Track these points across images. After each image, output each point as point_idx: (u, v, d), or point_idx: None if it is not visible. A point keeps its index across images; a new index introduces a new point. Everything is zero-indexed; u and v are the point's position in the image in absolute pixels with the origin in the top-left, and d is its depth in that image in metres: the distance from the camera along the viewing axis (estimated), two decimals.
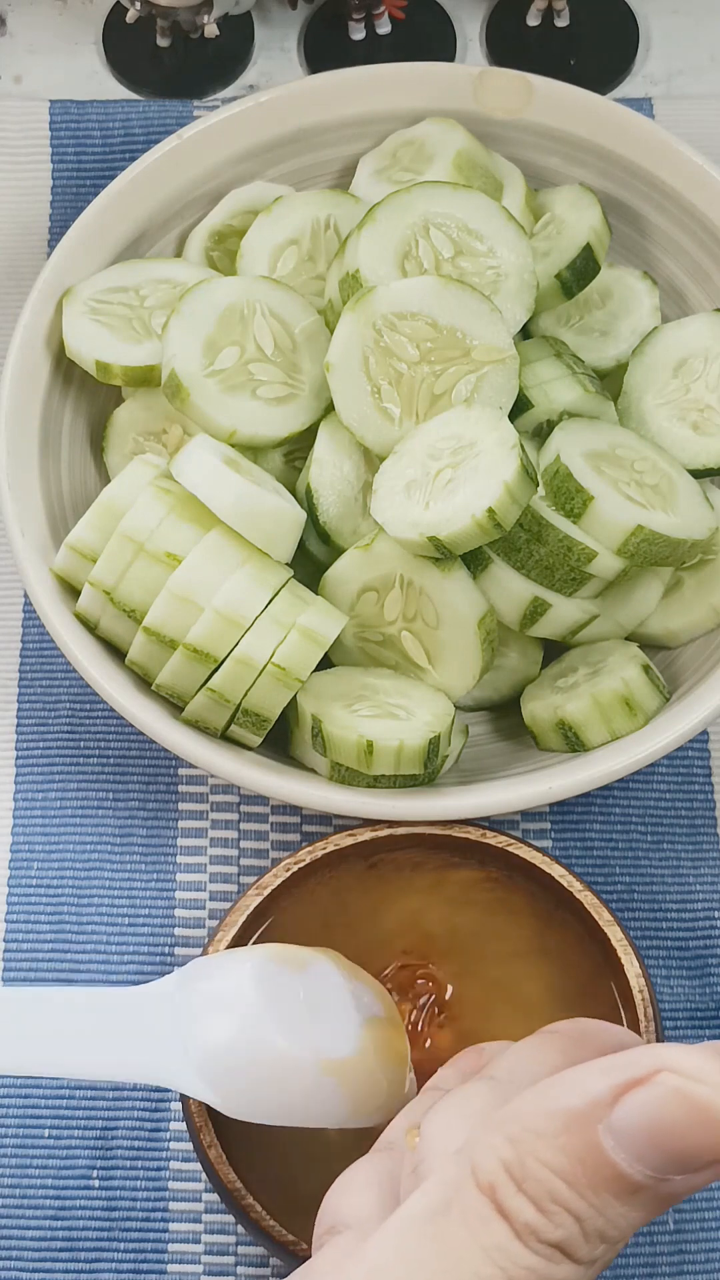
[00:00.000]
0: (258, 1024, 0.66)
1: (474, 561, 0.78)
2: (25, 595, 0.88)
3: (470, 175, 0.85)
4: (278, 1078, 0.66)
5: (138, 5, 0.97)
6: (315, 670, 0.77)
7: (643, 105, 0.96)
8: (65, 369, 0.84)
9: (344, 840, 0.75)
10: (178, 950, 0.81)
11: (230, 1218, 0.77)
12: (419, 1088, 0.72)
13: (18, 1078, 0.79)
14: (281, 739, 0.79)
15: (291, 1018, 0.67)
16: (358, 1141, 0.71)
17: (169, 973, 0.80)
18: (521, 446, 0.74)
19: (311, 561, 0.81)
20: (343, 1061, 0.68)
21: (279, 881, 0.74)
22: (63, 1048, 0.66)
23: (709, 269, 0.87)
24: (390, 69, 0.88)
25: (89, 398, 0.86)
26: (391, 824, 0.75)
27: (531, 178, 0.88)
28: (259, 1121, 0.66)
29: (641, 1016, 0.71)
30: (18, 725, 0.85)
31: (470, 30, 1.01)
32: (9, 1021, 0.66)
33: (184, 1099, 0.71)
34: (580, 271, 0.83)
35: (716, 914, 0.82)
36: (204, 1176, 0.78)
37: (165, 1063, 0.66)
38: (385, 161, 0.87)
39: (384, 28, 1.00)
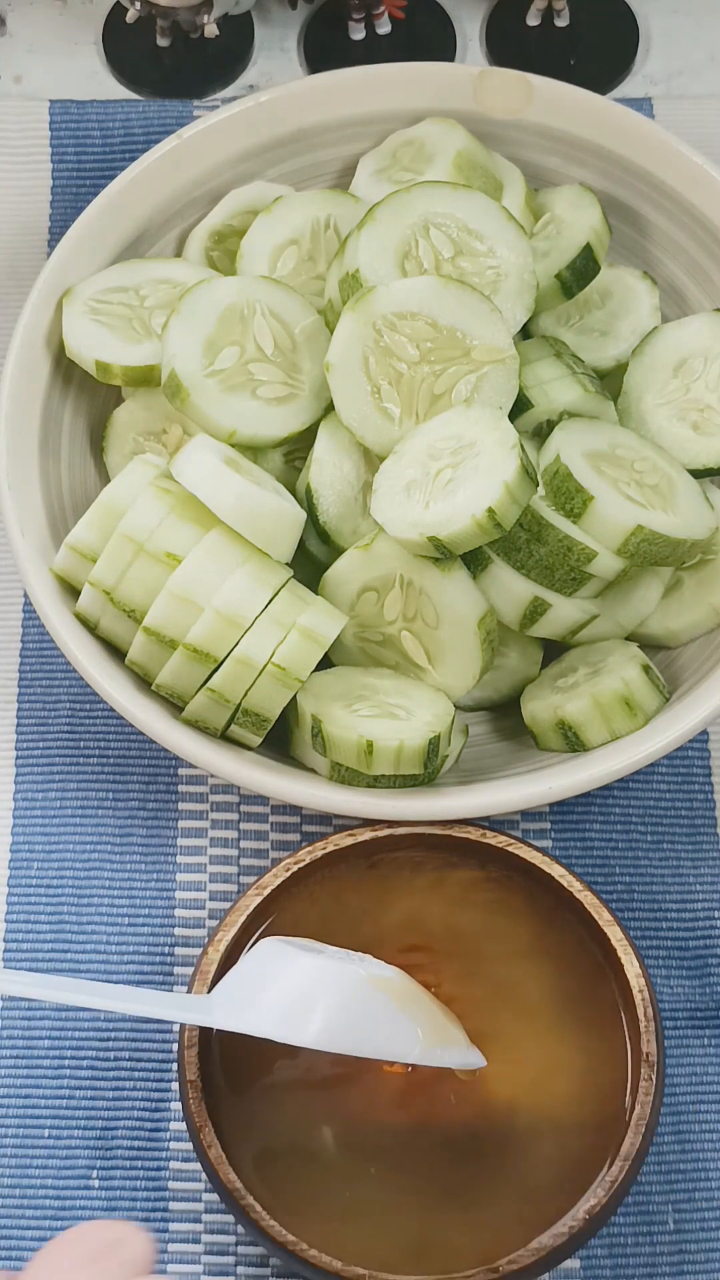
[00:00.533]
0: (285, 956, 0.68)
1: (474, 561, 0.78)
2: (25, 595, 0.88)
3: (470, 175, 0.85)
4: (330, 993, 0.67)
5: (138, 5, 0.97)
6: (315, 670, 0.77)
7: (643, 105, 0.96)
8: (65, 369, 0.84)
9: (344, 840, 0.75)
10: (178, 950, 0.81)
11: (230, 1218, 0.77)
12: (417, 1086, 0.72)
13: (18, 1079, 0.79)
14: (281, 739, 0.79)
15: (313, 950, 0.70)
16: (358, 1140, 0.71)
17: (169, 973, 0.80)
18: (521, 446, 0.74)
19: (311, 561, 0.81)
20: (388, 979, 0.69)
21: (279, 881, 0.74)
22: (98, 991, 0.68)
23: (709, 269, 0.87)
24: (390, 69, 0.88)
25: (89, 398, 0.86)
26: (391, 824, 0.75)
27: (531, 178, 0.88)
28: (343, 1051, 0.67)
29: (641, 1016, 0.71)
30: (18, 725, 0.85)
31: (470, 30, 1.01)
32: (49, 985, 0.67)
33: (184, 1099, 0.71)
34: (580, 271, 0.83)
35: (716, 914, 0.82)
36: (204, 1176, 0.78)
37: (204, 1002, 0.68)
38: (385, 161, 0.87)
39: (384, 28, 1.00)
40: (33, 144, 0.96)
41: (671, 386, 0.83)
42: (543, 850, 0.75)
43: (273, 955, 0.70)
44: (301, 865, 0.74)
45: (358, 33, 1.00)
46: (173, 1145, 0.78)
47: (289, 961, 0.69)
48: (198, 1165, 0.78)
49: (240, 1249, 0.77)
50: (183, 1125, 0.78)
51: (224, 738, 0.78)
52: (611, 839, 0.83)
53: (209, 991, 0.71)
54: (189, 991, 0.72)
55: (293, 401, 0.81)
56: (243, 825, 0.84)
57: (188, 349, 0.79)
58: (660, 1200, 0.77)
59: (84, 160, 0.95)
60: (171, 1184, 0.78)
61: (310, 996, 0.68)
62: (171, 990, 0.80)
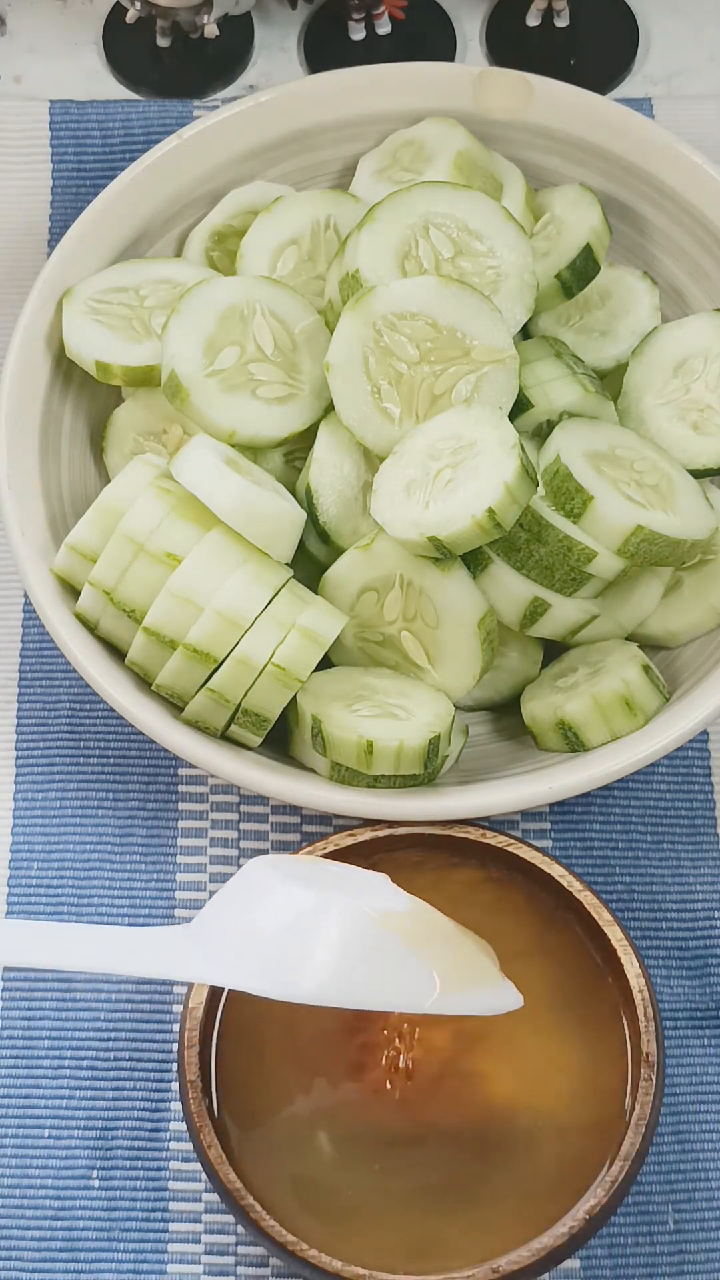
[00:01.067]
0: (276, 889, 0.59)
1: (474, 561, 0.78)
2: (25, 595, 0.88)
3: (470, 175, 0.85)
4: (327, 938, 0.58)
5: (138, 5, 0.97)
6: (315, 670, 0.77)
7: (643, 105, 0.96)
8: (65, 369, 0.84)
9: (344, 840, 0.75)
10: None
11: (230, 1218, 0.77)
12: (416, 1086, 0.72)
13: (18, 1079, 0.79)
14: (281, 739, 0.79)
15: (311, 878, 0.61)
16: (358, 1140, 0.71)
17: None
18: (521, 446, 0.74)
19: (311, 561, 0.81)
20: (398, 914, 0.61)
21: None
22: (81, 948, 0.62)
23: (709, 269, 0.87)
24: (390, 69, 0.88)
25: (89, 398, 0.86)
26: (391, 824, 0.75)
27: (531, 178, 0.88)
28: (340, 1005, 0.59)
29: (641, 1016, 0.71)
30: (18, 725, 0.85)
31: (470, 30, 1.01)
32: (30, 935, 0.62)
33: (184, 1099, 0.71)
34: (580, 271, 0.83)
35: (716, 914, 0.82)
36: (204, 1176, 0.78)
37: (190, 952, 0.60)
38: (385, 161, 0.87)
39: (384, 28, 1.00)
40: (33, 144, 0.96)
41: (671, 386, 0.83)
42: (543, 850, 0.75)
43: (260, 887, 0.62)
44: None
45: (358, 33, 1.00)
46: (173, 1145, 0.78)
47: (281, 897, 0.61)
48: (198, 1165, 0.78)
49: (240, 1249, 0.77)
50: (183, 1125, 0.78)
51: (224, 738, 0.78)
52: (611, 839, 0.83)
53: (216, 1047, 0.65)
54: (188, 992, 0.72)
55: (293, 401, 0.81)
56: (243, 825, 0.84)
57: (188, 349, 0.79)
58: (660, 1200, 0.77)
59: (84, 160, 0.95)
60: (171, 1184, 0.78)
61: (303, 942, 0.60)
62: (171, 991, 0.80)
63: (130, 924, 0.81)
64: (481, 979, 0.63)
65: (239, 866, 0.83)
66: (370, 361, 0.78)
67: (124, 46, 1.00)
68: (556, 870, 0.74)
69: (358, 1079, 0.72)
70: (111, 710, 0.85)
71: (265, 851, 0.83)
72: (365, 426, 0.78)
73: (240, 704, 0.76)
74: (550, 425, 0.80)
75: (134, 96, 0.99)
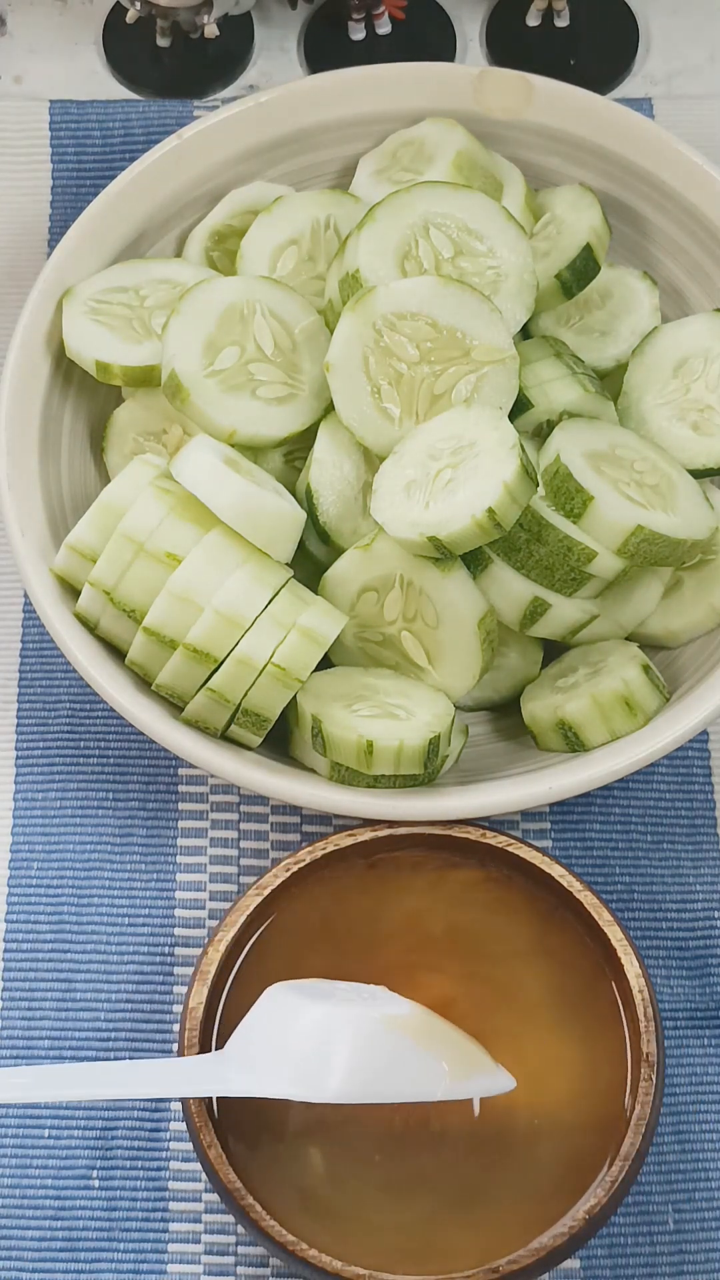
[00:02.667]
0: (295, 1008, 0.66)
1: (474, 561, 0.78)
2: (25, 595, 0.88)
3: (470, 175, 0.85)
4: (346, 1044, 0.66)
5: (138, 5, 0.97)
6: (315, 670, 0.77)
7: (643, 105, 0.96)
8: (65, 369, 0.84)
9: (344, 840, 0.75)
10: (178, 950, 0.81)
11: (230, 1218, 0.77)
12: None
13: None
14: (281, 739, 0.79)
15: (323, 994, 0.68)
16: (359, 1140, 0.71)
17: (169, 973, 0.80)
18: (521, 446, 0.74)
19: (311, 561, 0.81)
20: (404, 1016, 0.68)
21: (279, 881, 0.74)
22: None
23: (709, 269, 0.87)
24: (390, 69, 0.88)
25: (89, 398, 0.86)
26: (391, 824, 0.75)
27: (531, 178, 0.88)
28: (366, 1101, 0.66)
29: (641, 1016, 0.71)
30: (18, 725, 0.85)
31: (470, 30, 1.01)
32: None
33: (184, 1099, 0.71)
34: (580, 271, 0.83)
35: (716, 914, 0.82)
36: (204, 1176, 0.78)
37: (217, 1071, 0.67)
38: (385, 161, 0.87)
39: (384, 28, 1.00)
40: (33, 144, 0.96)
41: (671, 386, 0.83)
42: (543, 850, 0.75)
43: (282, 1008, 0.68)
44: (301, 865, 0.74)
45: (358, 33, 1.00)
46: (173, 1145, 0.78)
47: (300, 1014, 0.67)
48: (198, 1165, 0.78)
49: (240, 1249, 0.77)
50: (183, 1125, 0.78)
51: (224, 738, 0.78)
52: (611, 839, 0.83)
53: (216, 1047, 0.71)
54: (188, 992, 0.72)
55: (293, 401, 0.81)
56: (243, 825, 0.84)
57: (188, 349, 0.79)
58: (660, 1200, 0.77)
59: (84, 160, 0.95)
60: (172, 1184, 0.78)
61: (326, 1050, 0.66)
62: (171, 991, 0.80)
63: (130, 924, 0.81)
64: (481, 1067, 0.69)
65: (239, 866, 0.83)
66: (370, 361, 0.78)
67: (124, 46, 1.00)
68: (556, 870, 0.74)
69: None
70: (111, 710, 0.85)
71: (265, 851, 0.83)
72: (365, 426, 0.78)
73: (240, 704, 0.76)
74: (550, 425, 0.80)
75: (134, 96, 0.99)
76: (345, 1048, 0.66)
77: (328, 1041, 0.66)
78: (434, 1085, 0.67)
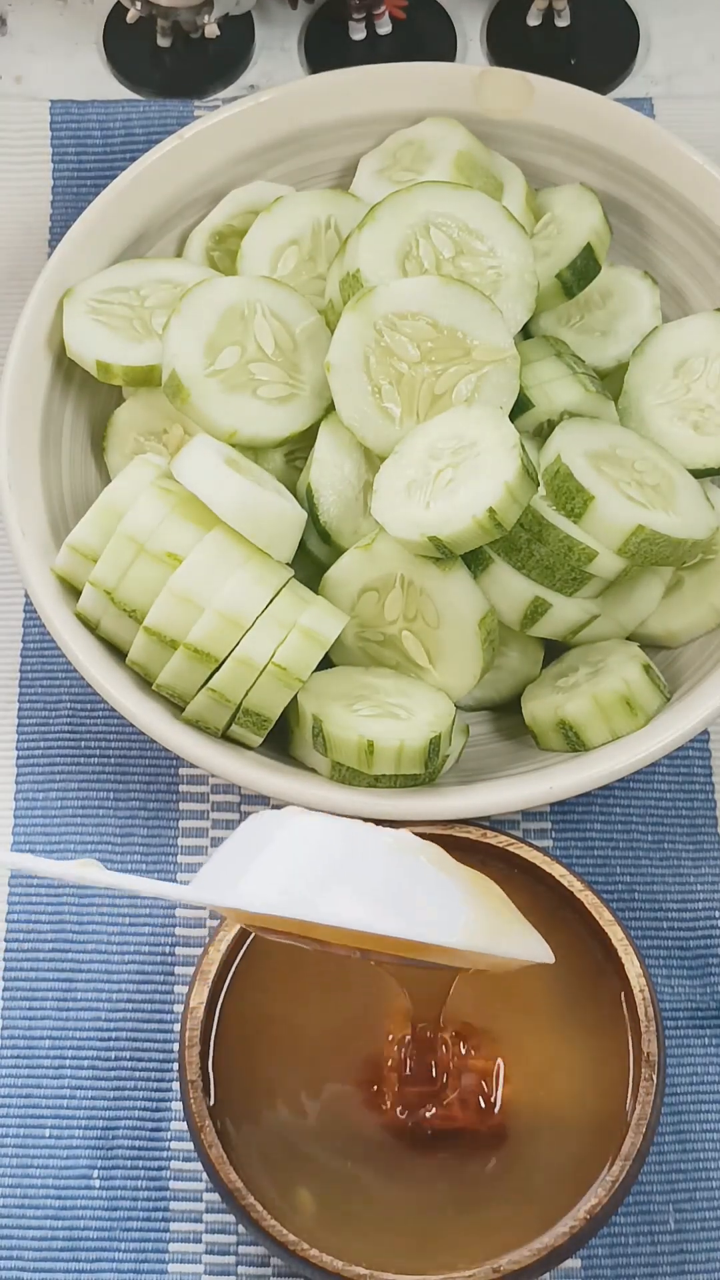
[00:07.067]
0: (284, 822, 0.57)
1: (474, 561, 0.78)
2: (26, 595, 0.88)
3: (470, 175, 0.85)
4: (351, 857, 0.55)
5: (138, 5, 0.97)
6: (316, 670, 0.77)
7: (643, 105, 0.96)
8: (66, 369, 0.84)
9: None
10: (178, 950, 0.81)
11: (230, 1218, 0.77)
12: (419, 1087, 0.72)
13: (18, 1078, 0.79)
14: (282, 739, 0.79)
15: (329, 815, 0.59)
16: (359, 1140, 0.71)
17: (169, 973, 0.80)
18: (522, 446, 0.74)
19: (312, 561, 0.81)
20: (422, 844, 0.58)
21: None
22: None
23: (709, 269, 0.87)
24: (390, 69, 0.88)
25: (89, 398, 0.86)
26: (392, 824, 0.75)
27: (532, 178, 0.88)
28: (366, 930, 0.56)
29: (642, 1016, 0.71)
30: (18, 725, 0.85)
31: (470, 30, 1.01)
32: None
33: (185, 1098, 0.71)
34: (580, 271, 0.83)
35: (716, 914, 0.82)
36: (204, 1176, 0.78)
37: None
38: (386, 161, 0.88)
39: (384, 28, 1.00)
40: (33, 144, 0.96)
41: (672, 386, 0.83)
42: (543, 850, 0.75)
43: (268, 822, 0.59)
44: None
45: (358, 33, 1.00)
46: (173, 1145, 0.78)
47: (290, 825, 0.58)
48: (198, 1165, 0.78)
49: (241, 1249, 0.77)
50: (183, 1125, 0.78)
51: (225, 738, 0.78)
52: (612, 839, 0.83)
53: (216, 1047, 0.66)
54: (188, 992, 0.72)
55: (293, 401, 0.81)
56: None
57: (188, 349, 0.79)
58: (661, 1200, 0.77)
59: (84, 160, 0.95)
60: (172, 1184, 0.78)
61: (321, 859, 0.57)
62: (171, 991, 0.80)
63: (130, 924, 0.81)
64: (512, 926, 0.59)
65: None
66: (371, 361, 0.78)
67: (124, 46, 1.00)
68: (557, 870, 0.74)
69: (358, 1079, 0.72)
70: (112, 710, 0.85)
71: None
72: (366, 426, 0.78)
73: (241, 704, 0.76)
74: (551, 425, 0.80)
75: (134, 96, 0.99)
76: (345, 858, 0.57)
77: (324, 850, 0.57)
78: (451, 923, 0.57)
